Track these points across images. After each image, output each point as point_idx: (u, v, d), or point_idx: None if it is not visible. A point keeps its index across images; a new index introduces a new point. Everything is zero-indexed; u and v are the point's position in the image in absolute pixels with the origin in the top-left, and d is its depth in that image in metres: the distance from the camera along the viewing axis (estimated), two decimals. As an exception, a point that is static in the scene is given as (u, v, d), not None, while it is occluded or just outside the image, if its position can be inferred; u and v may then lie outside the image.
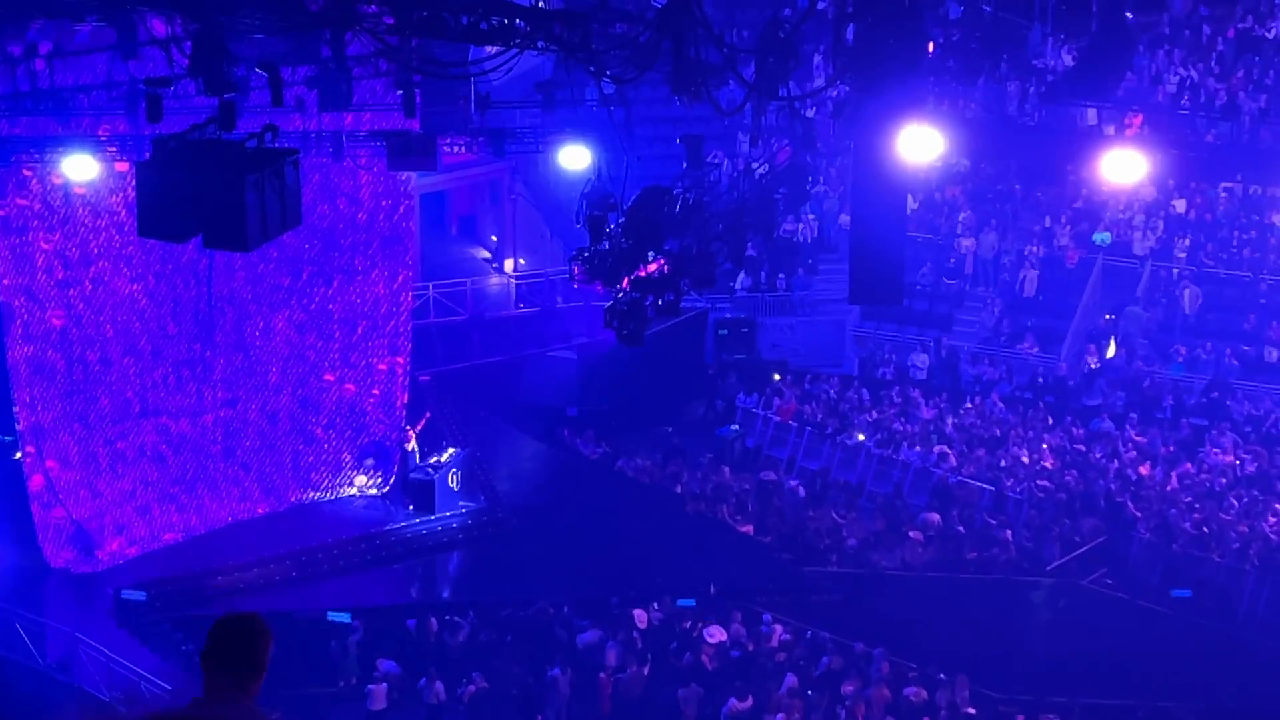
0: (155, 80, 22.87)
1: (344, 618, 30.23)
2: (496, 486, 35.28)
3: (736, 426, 38.43)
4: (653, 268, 25.23)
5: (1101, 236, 40.77)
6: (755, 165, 31.08)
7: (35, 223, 30.52)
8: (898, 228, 18.53)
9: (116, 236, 31.15)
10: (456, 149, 32.39)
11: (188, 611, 30.74)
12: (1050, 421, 37.18)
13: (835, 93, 29.84)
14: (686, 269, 25.72)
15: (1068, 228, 41.27)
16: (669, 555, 32.65)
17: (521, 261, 43.57)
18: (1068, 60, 36.49)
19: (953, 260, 41.57)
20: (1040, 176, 41.76)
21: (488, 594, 31.95)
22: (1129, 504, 34.01)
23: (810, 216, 41.89)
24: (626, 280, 25.10)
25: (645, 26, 20.21)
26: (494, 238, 44.88)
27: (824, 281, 40.86)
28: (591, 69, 21.03)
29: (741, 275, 38.32)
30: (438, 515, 33.78)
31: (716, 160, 37.30)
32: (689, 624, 30.21)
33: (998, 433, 36.99)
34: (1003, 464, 35.60)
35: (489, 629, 30.45)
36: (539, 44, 21.16)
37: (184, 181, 17.85)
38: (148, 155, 19.48)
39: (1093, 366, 38.91)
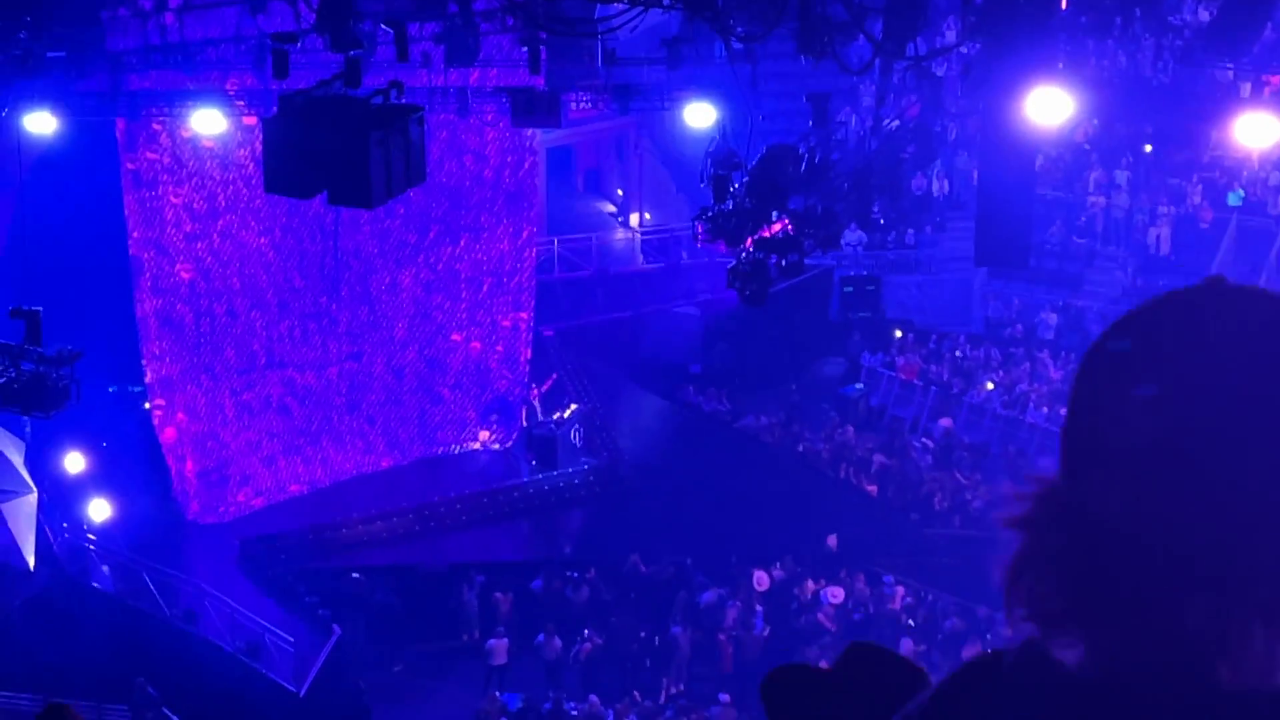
0: (282, 35, 22.93)
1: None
2: (618, 443, 35.29)
3: (860, 385, 38.06)
4: (776, 228, 25.04)
5: (1236, 195, 39.95)
6: (886, 121, 30.61)
7: (165, 176, 30.83)
8: (1026, 190, 18.31)
9: (244, 190, 31.36)
10: (582, 104, 32.30)
11: (312, 564, 31.07)
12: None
13: (965, 50, 29.51)
14: (810, 229, 25.51)
15: (1199, 186, 40.45)
16: (791, 514, 32.44)
17: (647, 216, 43.43)
18: (1204, 16, 35.72)
19: (1083, 219, 40.87)
20: (1174, 136, 40.94)
21: (609, 551, 32.01)
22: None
23: (939, 172, 41.29)
24: (750, 240, 24.94)
25: (772, -16, 20.02)
26: (620, 192, 44.78)
27: (952, 239, 40.28)
28: (718, 26, 20.88)
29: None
30: (560, 471, 33.85)
31: (843, 119, 36.81)
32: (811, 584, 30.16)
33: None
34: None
35: (610, 586, 30.49)
36: (665, 1, 21.02)
37: (309, 138, 17.92)
38: (274, 111, 19.55)
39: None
